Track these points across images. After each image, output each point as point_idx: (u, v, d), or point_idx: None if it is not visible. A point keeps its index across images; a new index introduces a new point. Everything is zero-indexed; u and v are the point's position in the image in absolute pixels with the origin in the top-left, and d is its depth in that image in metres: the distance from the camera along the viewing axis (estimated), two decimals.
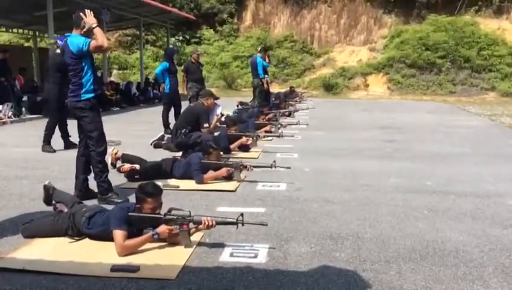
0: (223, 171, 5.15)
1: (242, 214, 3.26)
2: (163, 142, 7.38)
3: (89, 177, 4.52)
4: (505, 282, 2.83)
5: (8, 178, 5.36)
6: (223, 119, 8.34)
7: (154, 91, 16.79)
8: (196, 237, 3.39)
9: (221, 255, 3.17)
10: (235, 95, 19.17)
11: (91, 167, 4.46)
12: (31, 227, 3.47)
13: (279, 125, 9.08)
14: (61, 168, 5.82)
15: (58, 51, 5.94)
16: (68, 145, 7.18)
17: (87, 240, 3.37)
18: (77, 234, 3.38)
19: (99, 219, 3.35)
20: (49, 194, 4.01)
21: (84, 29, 4.18)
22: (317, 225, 3.81)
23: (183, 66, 11.04)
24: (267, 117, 9.77)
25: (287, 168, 5.33)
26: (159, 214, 3.27)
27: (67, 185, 4.52)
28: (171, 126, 8.03)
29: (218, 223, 3.28)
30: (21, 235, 3.44)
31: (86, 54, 4.22)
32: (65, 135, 7.31)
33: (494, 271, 2.97)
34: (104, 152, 4.45)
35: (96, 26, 4.13)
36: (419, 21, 23.56)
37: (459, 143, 8.32)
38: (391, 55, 22.10)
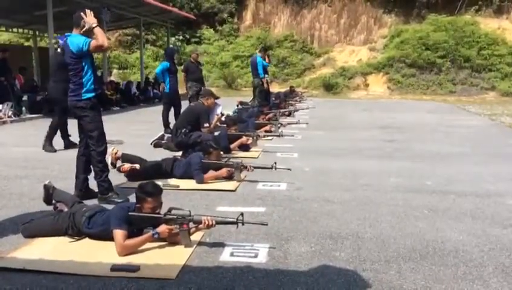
0: (224, 171, 5.16)
1: (242, 214, 3.27)
2: (163, 141, 7.38)
3: (89, 176, 4.52)
4: (505, 282, 2.83)
5: (8, 178, 5.37)
6: (223, 118, 8.34)
7: (154, 91, 16.78)
8: (196, 236, 3.40)
9: (222, 254, 3.17)
10: (235, 95, 19.18)
11: (91, 166, 4.46)
12: (31, 227, 3.47)
13: (279, 125, 9.08)
14: (61, 167, 5.83)
15: (60, 50, 5.94)
16: (68, 144, 7.19)
17: (87, 239, 3.38)
18: (77, 233, 3.39)
19: (100, 219, 3.36)
20: (49, 194, 4.01)
21: (84, 29, 4.19)
22: (317, 224, 3.81)
23: (183, 66, 11.04)
24: (267, 117, 9.77)
25: (288, 169, 5.32)
26: (159, 213, 3.28)
27: (67, 184, 4.53)
28: (171, 126, 8.03)
29: (218, 223, 3.28)
30: (21, 235, 3.44)
31: (86, 54, 4.22)
32: (65, 135, 7.31)
33: (494, 271, 2.97)
34: (105, 152, 4.45)
35: (96, 26, 4.14)
36: (419, 21, 23.56)
37: (459, 143, 8.32)
38: (391, 54, 22.10)
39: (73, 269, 2.90)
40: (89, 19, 4.16)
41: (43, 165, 6.07)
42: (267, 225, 3.37)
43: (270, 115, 10.07)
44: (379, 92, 21.50)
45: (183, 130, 6.81)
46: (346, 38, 25.24)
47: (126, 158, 5.63)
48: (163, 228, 3.19)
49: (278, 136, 7.94)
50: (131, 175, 5.23)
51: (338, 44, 25.16)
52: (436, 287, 2.74)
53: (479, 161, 6.62)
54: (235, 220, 3.23)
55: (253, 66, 12.36)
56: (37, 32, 18.67)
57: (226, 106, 10.26)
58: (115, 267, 2.89)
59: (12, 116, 10.85)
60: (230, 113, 10.24)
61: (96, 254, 3.12)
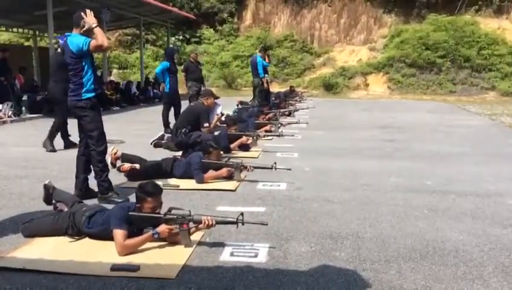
0: (224, 171, 5.15)
1: (242, 214, 3.27)
2: (163, 141, 7.38)
3: (89, 176, 4.52)
4: (505, 281, 2.83)
5: (8, 177, 5.37)
6: (223, 118, 8.34)
7: (154, 90, 16.79)
8: (196, 236, 3.40)
9: (222, 254, 3.17)
10: (235, 95, 19.18)
11: (91, 166, 4.46)
12: (31, 226, 3.47)
13: (279, 125, 9.08)
14: (61, 167, 5.83)
15: (60, 50, 5.95)
16: (68, 144, 7.19)
17: (87, 239, 3.38)
18: (77, 233, 3.39)
19: (100, 218, 3.36)
20: (49, 194, 4.01)
21: (84, 29, 4.19)
22: (317, 224, 3.81)
23: (182, 66, 11.05)
24: (267, 116, 9.77)
25: (288, 169, 5.32)
26: (159, 213, 3.28)
27: (67, 184, 4.53)
28: (171, 125, 8.03)
29: (218, 223, 3.28)
30: (21, 235, 3.44)
31: (86, 54, 4.22)
32: (65, 135, 7.31)
33: (494, 270, 2.97)
34: (105, 151, 4.45)
35: (96, 26, 4.14)
36: (419, 20, 23.56)
37: (459, 142, 8.32)
38: (391, 54, 22.10)
39: (73, 268, 2.90)
40: (89, 19, 4.16)
41: (43, 165, 6.07)
42: (267, 224, 3.37)
43: (270, 115, 10.07)
44: (379, 91, 21.50)
45: (183, 130, 6.81)
46: (346, 38, 25.24)
47: (126, 158, 5.63)
48: (163, 228, 3.19)
49: (278, 136, 7.95)
50: (131, 175, 5.22)
51: (338, 44, 25.16)
52: (436, 287, 2.74)
53: (479, 161, 6.62)
54: (235, 220, 3.23)
55: (253, 65, 12.36)
56: (37, 32, 18.67)
57: (226, 106, 10.26)
58: (115, 267, 2.89)
59: (12, 116, 10.85)
60: (230, 113, 10.24)
61: (96, 254, 3.12)
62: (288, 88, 17.38)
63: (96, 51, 4.38)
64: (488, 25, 22.54)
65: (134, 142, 7.63)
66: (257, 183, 5.09)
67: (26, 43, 22.66)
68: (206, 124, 6.87)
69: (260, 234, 3.52)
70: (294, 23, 25.88)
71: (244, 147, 6.95)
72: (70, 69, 4.29)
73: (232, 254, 3.18)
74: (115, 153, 5.63)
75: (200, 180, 5.02)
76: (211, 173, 5.15)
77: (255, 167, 5.23)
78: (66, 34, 4.38)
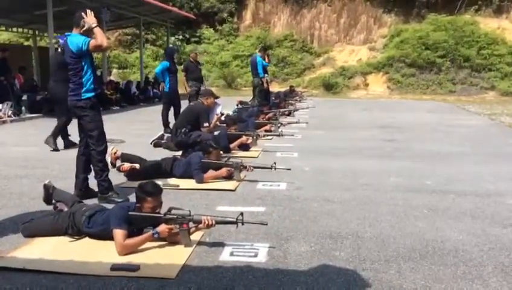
0: (223, 171, 5.15)
1: (242, 214, 3.27)
2: (163, 141, 7.38)
3: (89, 176, 4.52)
4: (505, 281, 2.83)
5: (8, 177, 5.37)
6: (222, 118, 8.34)
7: (154, 90, 16.78)
8: (196, 236, 3.40)
9: (221, 254, 3.17)
10: (235, 94, 19.18)
11: (91, 166, 4.47)
12: (31, 226, 3.47)
13: (279, 125, 9.08)
14: (61, 167, 5.83)
15: (60, 50, 5.96)
16: (68, 144, 7.19)
17: (87, 239, 3.38)
18: (77, 233, 3.39)
19: (99, 218, 3.36)
20: (49, 193, 4.01)
21: (84, 29, 4.20)
22: (317, 224, 3.81)
23: (182, 66, 11.05)
24: (267, 116, 9.77)
25: (287, 169, 5.32)
26: (159, 213, 3.28)
27: (67, 184, 4.53)
28: (171, 125, 8.03)
29: (218, 223, 3.28)
30: (21, 235, 3.44)
31: (86, 53, 4.23)
32: (65, 134, 7.31)
33: (493, 270, 2.98)
34: (105, 151, 4.45)
35: (96, 26, 4.15)
36: (419, 20, 23.57)
37: (458, 142, 8.32)
38: (391, 54, 22.10)
39: (73, 268, 2.90)
40: (89, 19, 4.17)
41: (43, 164, 6.07)
42: (266, 224, 3.37)
43: (270, 115, 10.07)
44: (379, 91, 21.51)
45: (183, 130, 6.81)
46: (346, 38, 25.24)
47: (126, 158, 5.63)
48: (163, 228, 3.19)
49: (278, 135, 7.94)
50: (131, 175, 5.23)
51: (338, 44, 25.16)
52: (435, 287, 2.74)
53: (478, 161, 6.62)
54: (234, 219, 3.23)
55: (253, 65, 12.36)
56: (36, 32, 18.66)
57: (226, 106, 10.26)
58: (115, 267, 2.89)
59: (12, 115, 10.85)
60: (230, 113, 10.24)
61: (96, 254, 3.12)
62: (288, 88, 17.38)
63: (96, 51, 4.39)
64: (488, 24, 22.54)
65: (134, 142, 7.63)
66: (257, 183, 5.09)
67: (26, 43, 22.64)
68: (206, 124, 6.87)
69: (260, 233, 3.52)
70: (294, 22, 25.89)
71: (244, 147, 6.95)
72: (70, 69, 4.30)
73: (231, 254, 3.18)
74: (115, 153, 5.63)
75: (200, 180, 5.02)
76: (211, 172, 5.15)
77: (254, 167, 5.23)
78: (66, 33, 4.39)
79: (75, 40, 4.20)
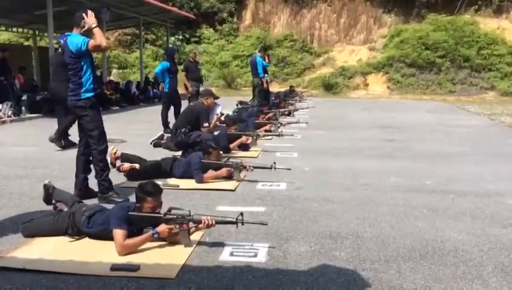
0: (223, 171, 5.15)
1: (242, 214, 3.27)
2: (162, 141, 7.38)
3: (88, 176, 4.52)
4: (504, 281, 2.83)
5: (8, 177, 5.37)
6: (222, 118, 8.34)
7: (154, 90, 16.78)
8: (196, 236, 3.40)
9: (221, 254, 3.17)
10: (234, 95, 19.18)
11: (92, 165, 4.47)
12: (31, 226, 3.47)
13: (278, 125, 9.08)
14: (61, 167, 5.83)
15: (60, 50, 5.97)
16: (68, 144, 7.19)
17: (87, 239, 3.38)
18: (77, 233, 3.39)
19: (99, 218, 3.36)
20: (49, 193, 4.01)
21: (84, 29, 4.21)
22: (317, 224, 3.81)
23: (182, 66, 11.06)
24: (266, 116, 9.78)
25: (287, 169, 5.32)
26: (159, 213, 3.28)
27: (67, 184, 4.53)
28: (171, 125, 8.03)
29: (218, 223, 3.28)
30: (21, 235, 3.44)
31: (85, 53, 4.24)
32: (65, 134, 7.30)
33: (493, 270, 2.98)
34: (105, 150, 4.45)
35: (96, 27, 4.15)
36: (419, 20, 23.57)
37: (458, 142, 8.32)
38: (391, 54, 22.11)
39: (73, 268, 2.90)
40: (89, 19, 4.18)
41: (43, 164, 6.07)
42: (266, 224, 3.37)
43: (270, 115, 10.07)
44: (379, 91, 21.51)
45: (182, 130, 6.81)
46: (346, 38, 25.25)
47: (126, 158, 5.63)
48: (163, 228, 3.19)
49: (278, 135, 7.95)
50: (130, 175, 5.23)
51: (338, 44, 25.16)
52: (435, 287, 2.74)
53: (478, 161, 6.62)
54: (234, 219, 3.23)
55: (252, 65, 12.36)
56: (36, 32, 18.65)
57: (226, 106, 10.26)
58: (114, 267, 2.89)
59: (12, 115, 10.85)
60: (230, 113, 10.24)
61: (96, 254, 3.12)
62: (288, 88, 17.38)
63: (95, 51, 4.39)
64: (488, 24, 22.55)
65: (133, 142, 7.63)
66: (257, 183, 5.09)
67: (26, 43, 22.64)
68: (206, 124, 6.87)
69: (260, 233, 3.52)
70: (294, 22, 25.89)
71: (244, 147, 6.95)
72: (70, 69, 4.32)
73: (231, 254, 3.18)
74: (115, 153, 5.63)
75: (200, 180, 5.02)
76: (211, 172, 5.15)
77: (254, 167, 5.23)
78: (66, 33, 4.40)
79: (74, 40, 4.21)
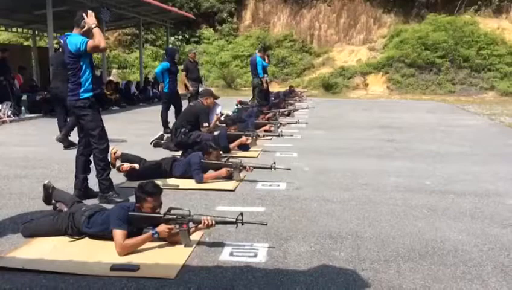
0: (223, 171, 5.15)
1: (242, 214, 3.27)
2: (162, 141, 7.38)
3: (88, 176, 4.52)
4: (504, 281, 2.83)
5: (7, 177, 5.37)
6: (222, 118, 8.35)
7: (154, 90, 16.78)
8: (196, 236, 3.40)
9: (221, 254, 3.18)
10: (234, 95, 19.18)
11: (91, 165, 4.48)
12: (31, 226, 3.47)
13: (278, 125, 9.08)
14: (61, 167, 5.83)
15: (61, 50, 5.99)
16: (68, 144, 7.18)
17: (87, 239, 3.38)
18: (77, 233, 3.39)
19: (99, 218, 3.36)
20: (49, 194, 4.02)
21: (84, 29, 4.22)
22: (316, 224, 3.82)
23: (182, 66, 11.07)
24: (266, 116, 9.78)
25: (287, 169, 5.33)
26: (158, 213, 3.28)
27: (67, 184, 4.53)
28: (170, 125, 8.03)
29: (217, 223, 3.29)
30: (21, 235, 3.44)
31: (84, 54, 4.24)
32: None
33: (493, 270, 2.98)
34: (107, 149, 4.46)
35: (95, 27, 4.16)
36: (419, 20, 23.59)
37: (458, 142, 8.32)
38: (390, 54, 22.12)
39: (73, 268, 2.90)
40: (90, 19, 4.19)
41: (43, 164, 6.07)
42: (266, 224, 3.38)
43: (270, 115, 10.08)
44: (378, 91, 21.52)
45: (182, 130, 6.81)
46: (346, 38, 25.26)
47: (125, 158, 5.63)
48: (162, 228, 3.20)
49: (278, 135, 7.95)
50: (130, 175, 5.23)
51: (337, 44, 25.18)
52: (435, 287, 2.75)
53: (478, 161, 6.63)
54: (234, 219, 3.23)
55: (252, 65, 12.35)
56: (36, 32, 18.65)
57: (226, 106, 10.26)
58: (114, 267, 2.89)
59: (12, 116, 10.84)
60: (230, 113, 10.24)
61: (96, 254, 3.12)
62: (287, 88, 17.39)
63: (94, 52, 4.39)
64: (488, 25, 22.56)
65: (133, 142, 7.64)
66: (256, 183, 5.09)
67: (25, 43, 22.64)
68: (206, 124, 6.87)
69: (260, 233, 3.53)
70: (294, 23, 25.90)
71: (244, 147, 6.95)
72: (69, 69, 4.33)
73: (231, 254, 3.18)
74: (115, 153, 5.63)
75: (200, 180, 5.02)
76: (211, 173, 5.16)
77: (254, 167, 5.23)
78: (66, 33, 4.40)
79: (73, 40, 4.21)
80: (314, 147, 7.64)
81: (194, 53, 11.09)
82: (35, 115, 11.47)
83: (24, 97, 12.00)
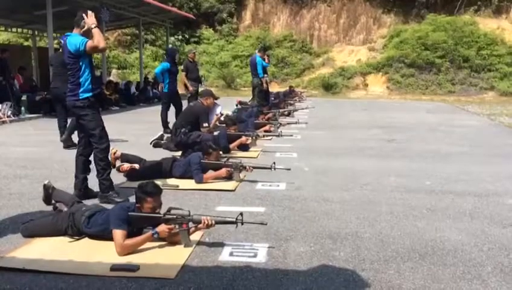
0: (223, 172, 5.16)
1: (241, 214, 3.27)
2: (162, 141, 7.38)
3: (88, 176, 4.53)
4: (504, 281, 2.84)
5: (7, 177, 5.37)
6: (222, 118, 8.34)
7: (154, 90, 16.78)
8: (196, 236, 3.40)
9: (221, 254, 3.18)
10: (234, 95, 19.18)
11: (91, 165, 4.48)
12: (31, 226, 3.47)
13: (278, 125, 9.09)
14: (61, 167, 5.83)
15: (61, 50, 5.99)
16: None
17: (86, 239, 3.38)
18: (77, 233, 3.39)
19: (99, 218, 3.36)
20: (49, 194, 4.02)
21: (84, 29, 4.22)
22: (316, 224, 3.82)
23: (182, 66, 11.07)
24: (266, 116, 9.79)
25: (287, 169, 5.33)
26: (158, 213, 3.28)
27: (67, 184, 4.53)
28: (170, 125, 8.03)
29: (217, 223, 3.29)
30: (21, 235, 3.44)
31: (83, 54, 4.24)
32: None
33: (493, 270, 2.98)
34: (107, 149, 4.46)
35: (95, 27, 4.16)
36: (419, 21, 23.60)
37: (458, 142, 8.33)
38: (390, 54, 22.12)
39: (73, 268, 2.90)
40: (89, 20, 4.19)
41: (43, 164, 6.07)
42: (266, 224, 3.38)
43: (270, 115, 10.08)
44: (378, 91, 21.53)
45: (182, 130, 6.81)
46: (346, 38, 25.27)
47: (125, 158, 5.63)
48: (162, 228, 3.20)
49: (277, 136, 7.95)
50: (130, 175, 5.23)
51: (337, 44, 25.18)
52: (435, 287, 2.75)
53: (478, 161, 6.63)
54: (234, 220, 3.23)
55: (252, 66, 12.34)
56: (36, 32, 18.65)
57: (226, 106, 10.27)
58: (114, 267, 2.89)
59: (12, 116, 10.84)
60: (230, 113, 10.24)
61: (96, 254, 3.12)
62: (287, 88, 17.39)
63: (93, 52, 4.39)
64: (487, 25, 22.57)
65: (133, 142, 7.64)
66: (256, 184, 5.09)
67: (25, 43, 22.63)
68: (206, 124, 6.87)
69: (259, 234, 3.53)
70: (294, 23, 25.90)
71: (244, 147, 6.95)
72: (69, 69, 4.33)
73: (231, 254, 3.18)
74: (114, 153, 5.63)
75: (200, 181, 5.02)
76: (210, 173, 5.16)
77: (254, 167, 5.23)
78: (67, 34, 4.41)
79: (73, 40, 4.22)
80: (314, 147, 7.64)
81: (194, 53, 11.10)
82: (35, 115, 11.47)
83: (24, 97, 11.99)
